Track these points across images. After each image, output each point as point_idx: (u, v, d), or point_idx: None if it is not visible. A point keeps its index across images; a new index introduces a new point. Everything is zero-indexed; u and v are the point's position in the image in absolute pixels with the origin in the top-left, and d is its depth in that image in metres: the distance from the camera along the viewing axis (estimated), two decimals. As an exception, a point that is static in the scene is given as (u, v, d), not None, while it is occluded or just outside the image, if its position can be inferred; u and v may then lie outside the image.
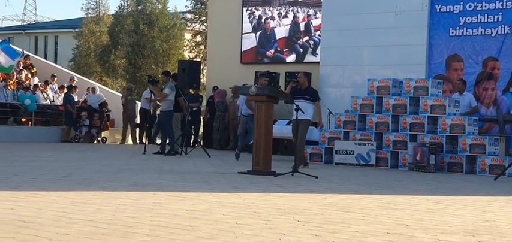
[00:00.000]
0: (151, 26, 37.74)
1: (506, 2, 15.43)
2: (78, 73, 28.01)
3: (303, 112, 11.48)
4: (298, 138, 12.50)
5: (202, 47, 38.07)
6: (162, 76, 16.10)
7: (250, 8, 20.71)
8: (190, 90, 17.70)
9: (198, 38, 39.32)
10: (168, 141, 15.20)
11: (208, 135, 20.08)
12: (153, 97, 15.91)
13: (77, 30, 42.03)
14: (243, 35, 20.85)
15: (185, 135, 15.71)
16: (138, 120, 21.13)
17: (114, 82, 39.66)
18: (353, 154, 14.28)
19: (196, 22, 39.68)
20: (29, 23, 56.29)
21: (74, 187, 7.66)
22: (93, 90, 21.42)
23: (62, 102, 20.71)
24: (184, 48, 40.38)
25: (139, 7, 38.47)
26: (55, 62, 36.65)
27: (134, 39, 37.42)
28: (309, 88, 13.10)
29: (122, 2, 39.58)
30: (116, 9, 40.19)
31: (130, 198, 6.77)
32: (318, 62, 18.27)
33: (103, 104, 20.98)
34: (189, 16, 40.66)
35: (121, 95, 22.58)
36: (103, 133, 20.90)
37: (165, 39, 37.99)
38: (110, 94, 23.74)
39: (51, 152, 14.56)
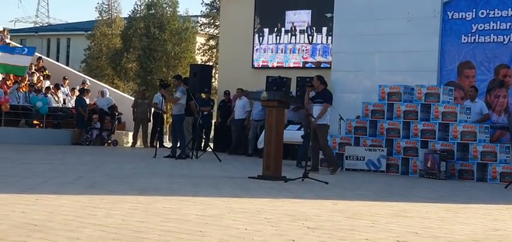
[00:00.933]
0: (162, 29, 37.84)
1: (519, 9, 15.38)
2: (89, 76, 28.12)
3: (313, 118, 11.51)
4: (320, 144, 12.68)
5: (215, 51, 38.14)
6: (174, 80, 16.14)
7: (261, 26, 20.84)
8: (202, 94, 17.73)
9: (212, 42, 39.40)
10: (179, 144, 15.22)
11: (220, 139, 20.09)
12: (163, 101, 15.96)
13: (89, 32, 42.21)
14: (255, 40, 20.90)
15: (196, 139, 15.74)
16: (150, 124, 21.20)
17: (125, 85, 39.79)
18: (364, 160, 14.26)
19: (210, 26, 39.77)
20: (41, 25, 56.58)
21: (85, 191, 7.69)
22: (103, 93, 21.50)
23: (73, 105, 20.79)
24: (197, 51, 40.46)
25: (151, 11, 38.59)
26: (67, 64, 36.83)
27: (145, 43, 37.54)
28: (324, 91, 13.15)
29: (136, 5, 39.75)
30: (129, 13, 40.33)
31: (140, 203, 6.79)
32: (329, 67, 18.27)
33: (113, 107, 21.04)
34: (203, 20, 40.75)
35: (133, 98, 22.65)
36: (114, 136, 20.96)
37: (176, 43, 38.06)
38: (122, 97, 23.81)
39: (62, 155, 14.62)
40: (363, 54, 17.24)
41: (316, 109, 13.04)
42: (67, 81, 22.23)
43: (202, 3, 40.06)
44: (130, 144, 20.98)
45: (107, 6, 42.02)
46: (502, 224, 6.71)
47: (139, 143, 20.89)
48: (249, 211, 6.62)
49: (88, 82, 22.75)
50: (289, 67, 19.87)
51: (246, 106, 18.96)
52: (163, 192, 7.90)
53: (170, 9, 39.00)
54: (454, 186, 11.63)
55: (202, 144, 18.40)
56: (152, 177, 10.05)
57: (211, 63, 36.18)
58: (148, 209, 6.29)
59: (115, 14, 41.83)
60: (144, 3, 39.30)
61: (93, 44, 41.37)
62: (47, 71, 22.31)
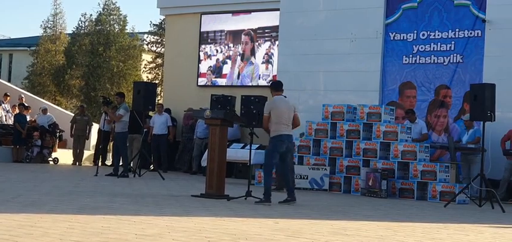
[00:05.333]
0: (108, 46, 37.49)
1: (458, 31, 15.73)
2: (32, 93, 27.62)
3: (257, 137, 11.52)
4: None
5: (162, 69, 37.89)
6: (116, 97, 15.98)
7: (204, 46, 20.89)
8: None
9: (159, 60, 39.18)
10: (121, 162, 15.06)
11: (171, 157, 19.86)
12: (107, 118, 15.78)
13: (32, 48, 41.52)
14: (200, 58, 20.93)
15: (140, 156, 15.59)
16: (90, 140, 20.91)
17: (68, 102, 39.23)
18: (307, 179, 14.35)
19: (157, 44, 39.57)
20: (-18, 40, 55.40)
21: (23, 209, 7.53)
22: (44, 110, 21.15)
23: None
24: (143, 69, 40.18)
25: (98, 27, 38.20)
26: (9, 81, 36.13)
27: (90, 59, 37.12)
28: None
29: (80, 22, 39.29)
30: (74, 29, 39.82)
31: (79, 221, 6.69)
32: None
33: (54, 125, 20.73)
34: (151, 38, 40.52)
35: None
36: (55, 154, 20.62)
37: (122, 60, 37.75)
38: (63, 114, 23.47)
39: (1, 172, 14.30)
40: (307, 73, 17.39)
41: None
42: (8, 98, 21.80)
43: (150, 24, 39.86)
44: (71, 162, 20.61)
45: (51, 22, 41.43)
46: (439, 243, 6.82)
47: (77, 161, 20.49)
48: (189, 230, 6.58)
49: (23, 96, 22.34)
50: (234, 86, 19.90)
51: (168, 121, 18.90)
52: (102, 211, 7.80)
53: (118, 26, 38.68)
54: (395, 204, 11.79)
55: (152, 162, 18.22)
56: (93, 195, 9.91)
57: (157, 81, 35.97)
58: (86, 229, 6.20)
59: (59, 31, 41.25)
60: (88, 20, 38.89)
61: (36, 60, 40.71)
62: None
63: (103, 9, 38.41)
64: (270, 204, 9.95)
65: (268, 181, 10.24)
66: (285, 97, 10.71)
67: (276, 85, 10.82)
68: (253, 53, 20.12)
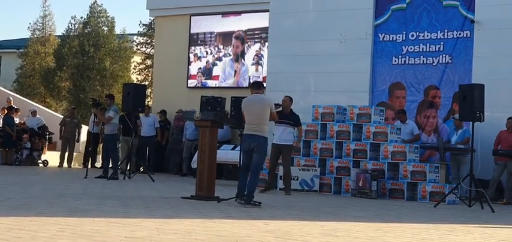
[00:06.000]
0: (98, 47, 37.40)
1: (447, 32, 15.79)
2: (21, 95, 27.49)
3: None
4: (285, 165, 12.72)
5: (151, 70, 37.82)
6: (106, 99, 15.94)
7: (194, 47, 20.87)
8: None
9: (148, 62, 39.10)
10: (111, 164, 15.03)
11: (161, 159, 19.83)
12: (96, 119, 15.77)
13: (21, 50, 41.36)
14: (190, 60, 20.93)
15: (129, 158, 15.57)
16: (79, 143, 20.85)
17: (58, 104, 39.10)
18: (297, 180, 14.35)
19: (147, 45, 39.49)
20: (-29, 42, 55.15)
21: (12, 212, 7.50)
22: (34, 113, 21.07)
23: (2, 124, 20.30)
24: (133, 71, 40.09)
25: (86, 30, 38.09)
26: (-3, 83, 35.94)
27: (80, 61, 37.02)
28: (292, 112, 13.24)
29: (70, 24, 39.19)
30: (63, 31, 39.69)
31: (68, 224, 6.66)
32: (264, 87, 18.36)
33: (43, 127, 20.65)
34: (140, 39, 40.44)
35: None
36: (44, 156, 20.54)
37: (112, 62, 37.67)
38: (53, 116, 23.38)
39: (-10, 175, 14.23)
40: (297, 74, 17.40)
41: (281, 129, 13.09)
42: (-3, 100, 21.70)
43: (139, 24, 39.74)
44: (58, 164, 20.51)
45: (41, 24, 41.28)
46: (429, 243, 6.84)
47: (66, 163, 20.42)
48: (179, 232, 6.57)
49: (11, 98, 22.25)
50: (224, 88, 19.88)
51: (155, 122, 18.87)
52: (92, 213, 7.77)
53: (107, 28, 38.59)
54: (385, 205, 11.81)
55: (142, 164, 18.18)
56: (82, 197, 9.88)
57: (146, 83, 35.90)
58: (75, 231, 6.18)
59: (49, 33, 41.10)
60: (78, 22, 38.80)
61: (25, 62, 40.55)
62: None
63: (90, 12, 38.35)
64: (242, 203, 9.86)
65: (240, 182, 10.18)
66: (263, 95, 10.54)
67: (253, 84, 10.87)
68: (243, 54, 20.13)
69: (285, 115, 13.09)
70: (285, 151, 13.22)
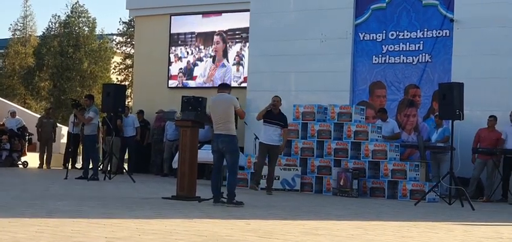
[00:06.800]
0: (78, 48, 37.22)
1: (427, 31, 15.87)
2: (0, 96, 27.27)
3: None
4: (271, 165, 12.98)
5: (131, 70, 37.72)
6: (86, 99, 15.85)
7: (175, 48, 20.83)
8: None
9: (128, 61, 38.97)
10: (91, 165, 14.96)
11: (142, 159, 19.73)
12: (77, 120, 15.68)
13: (1, 51, 41.05)
14: (171, 60, 20.89)
15: (111, 159, 15.50)
16: (57, 143, 20.73)
17: (38, 104, 38.85)
18: (278, 179, 14.35)
19: (127, 45, 39.34)
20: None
21: (-9, 214, 7.44)
22: (13, 114, 20.92)
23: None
24: (113, 71, 39.93)
25: (66, 30, 37.89)
26: (-24, 84, 35.68)
27: (59, 61, 36.82)
28: (281, 113, 13.24)
29: (50, 23, 38.96)
30: (43, 31, 39.44)
31: (48, 225, 6.62)
32: (245, 87, 18.38)
33: (23, 128, 20.50)
34: (119, 39, 40.29)
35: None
36: (24, 157, 20.40)
37: (92, 62, 37.51)
38: (33, 117, 23.21)
39: (-31, 177, 14.12)
40: (278, 74, 17.40)
41: (269, 129, 13.07)
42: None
43: (119, 22, 39.65)
44: (38, 165, 20.37)
45: (21, 24, 40.99)
46: (410, 241, 6.87)
47: (45, 165, 20.28)
48: (160, 232, 6.55)
49: None
50: (205, 88, 19.84)
51: (135, 122, 18.81)
52: (72, 214, 7.73)
53: (87, 28, 38.40)
54: (366, 204, 11.85)
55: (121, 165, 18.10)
56: (62, 198, 9.82)
57: (127, 83, 35.79)
58: (56, 232, 6.14)
59: (29, 33, 40.82)
60: (58, 21, 38.58)
61: (5, 63, 40.24)
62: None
63: (71, 12, 38.14)
64: (224, 202, 9.86)
65: (212, 181, 10.16)
66: (228, 94, 10.48)
67: (219, 85, 10.93)
68: (225, 54, 20.10)
69: (274, 115, 13.11)
70: (273, 152, 13.21)
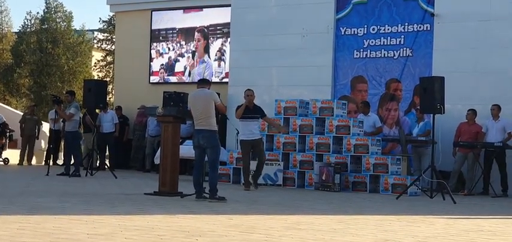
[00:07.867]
0: (56, 43, 36.98)
1: (408, 25, 15.93)
2: (-21, 93, 27.10)
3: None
4: (260, 157, 12.93)
5: (112, 67, 37.59)
6: (67, 95, 15.76)
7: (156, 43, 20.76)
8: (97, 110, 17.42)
9: (109, 58, 38.81)
10: (72, 162, 14.88)
11: (122, 155, 19.62)
12: (57, 117, 15.58)
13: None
14: (152, 56, 20.81)
15: (91, 155, 15.42)
16: (40, 140, 20.58)
17: (18, 101, 38.58)
18: (260, 174, 14.32)
19: (107, 42, 39.15)
20: None
21: (-29, 212, 7.37)
22: (-7, 111, 20.79)
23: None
24: (94, 67, 39.75)
25: (44, 26, 37.64)
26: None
27: (38, 57, 36.58)
28: (256, 105, 13.21)
29: (26, 20, 38.70)
30: (20, 28, 39.14)
31: (29, 222, 6.57)
32: (227, 82, 18.35)
33: (3, 125, 20.35)
34: (100, 36, 40.10)
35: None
36: (5, 154, 20.24)
37: (71, 57, 37.30)
38: (13, 114, 23.06)
39: None
40: (260, 69, 17.40)
41: (248, 125, 13.02)
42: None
43: (99, 21, 39.47)
44: (18, 162, 20.24)
45: (-3, 21, 40.69)
46: (392, 235, 6.89)
47: (26, 161, 20.15)
48: (142, 228, 6.52)
49: None
50: (187, 83, 19.79)
51: (114, 118, 18.70)
52: (54, 211, 7.68)
53: (64, 24, 38.17)
54: (348, 198, 11.89)
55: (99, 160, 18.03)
56: (44, 195, 9.76)
57: (108, 79, 35.62)
58: (37, 229, 6.10)
59: (6, 29, 40.49)
60: (34, 17, 38.32)
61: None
62: None
63: (47, 8, 37.90)
64: (206, 197, 9.85)
65: (194, 177, 10.14)
66: (207, 89, 10.46)
67: (198, 81, 10.90)
68: (207, 50, 20.05)
69: (250, 109, 13.07)
70: (257, 146, 13.16)
